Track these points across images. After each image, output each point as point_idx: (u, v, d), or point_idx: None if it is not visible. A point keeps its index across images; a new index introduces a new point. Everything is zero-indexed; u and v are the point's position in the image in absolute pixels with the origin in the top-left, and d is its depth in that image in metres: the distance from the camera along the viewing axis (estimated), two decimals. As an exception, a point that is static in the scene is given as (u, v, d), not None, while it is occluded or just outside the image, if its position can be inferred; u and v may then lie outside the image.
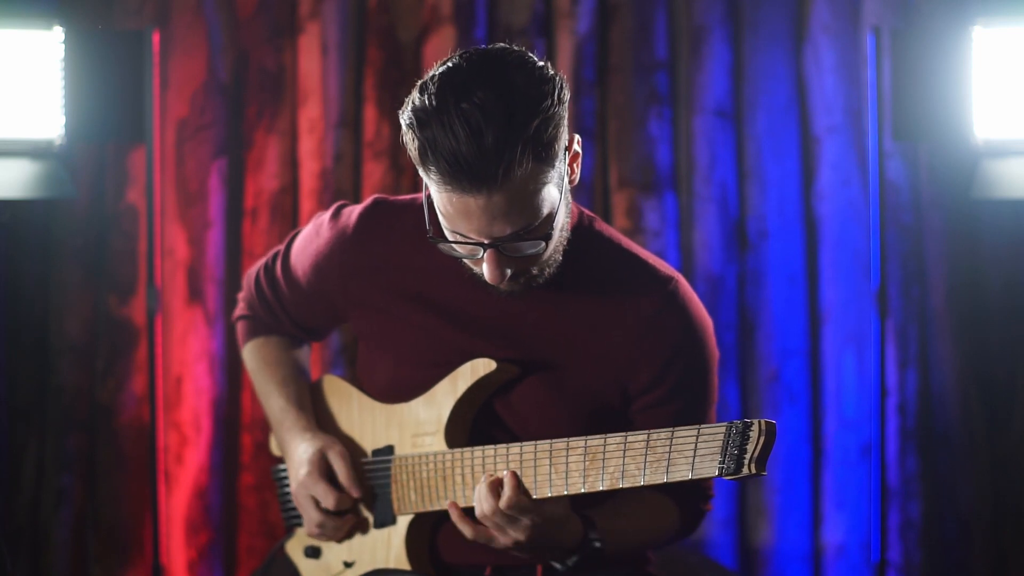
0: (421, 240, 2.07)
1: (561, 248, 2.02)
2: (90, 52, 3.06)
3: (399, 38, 3.52)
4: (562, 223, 1.98)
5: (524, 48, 1.92)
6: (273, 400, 2.32)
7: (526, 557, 2.05)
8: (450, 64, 1.88)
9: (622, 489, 1.89)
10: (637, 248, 2.16)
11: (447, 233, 1.94)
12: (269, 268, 2.34)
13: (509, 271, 1.95)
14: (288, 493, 2.34)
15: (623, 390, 2.11)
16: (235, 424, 3.55)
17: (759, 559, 3.49)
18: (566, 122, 1.91)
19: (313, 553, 2.29)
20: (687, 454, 1.81)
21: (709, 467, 1.78)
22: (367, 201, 2.21)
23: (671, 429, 1.83)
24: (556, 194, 1.92)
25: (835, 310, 3.47)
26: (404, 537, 2.16)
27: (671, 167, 3.50)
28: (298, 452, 2.22)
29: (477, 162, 1.81)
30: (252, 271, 2.39)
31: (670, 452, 1.83)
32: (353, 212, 2.20)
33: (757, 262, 3.49)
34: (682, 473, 1.81)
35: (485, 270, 1.94)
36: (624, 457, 1.88)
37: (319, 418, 2.30)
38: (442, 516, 2.14)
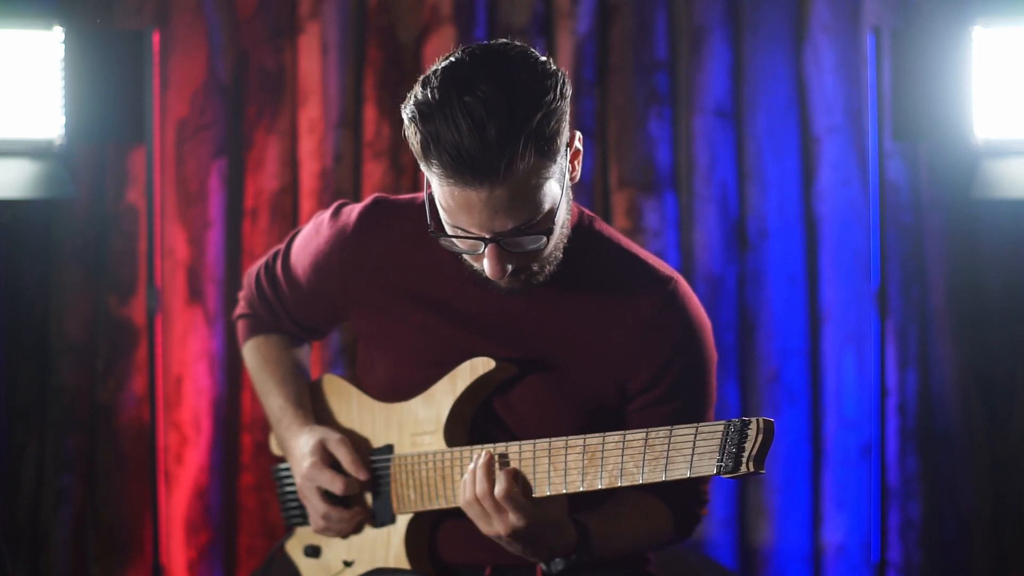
0: (421, 239, 2.07)
1: (562, 245, 2.02)
2: (90, 52, 3.06)
3: (399, 38, 3.52)
4: (563, 219, 1.98)
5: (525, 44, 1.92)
6: (273, 398, 2.32)
7: (513, 551, 2.04)
8: (453, 59, 1.88)
9: (620, 488, 1.88)
10: (637, 248, 2.16)
11: (448, 228, 1.94)
12: (269, 267, 2.34)
13: (510, 267, 1.95)
14: (288, 492, 2.34)
15: (622, 390, 2.11)
16: (235, 424, 3.55)
17: (759, 559, 3.49)
18: (568, 118, 1.90)
19: (313, 552, 2.29)
20: (685, 452, 1.81)
21: (707, 465, 1.78)
22: (367, 200, 2.21)
23: (669, 427, 1.83)
24: (557, 189, 1.92)
25: (835, 310, 3.47)
26: (403, 536, 2.15)
27: (671, 167, 3.50)
28: (299, 446, 2.22)
29: (479, 155, 1.81)
30: (253, 270, 2.39)
31: (668, 450, 1.82)
32: (353, 211, 2.20)
33: (757, 262, 3.49)
34: (680, 471, 1.81)
35: (486, 265, 1.93)
36: (623, 456, 1.87)
37: (319, 417, 2.30)
38: (441, 515, 2.14)
